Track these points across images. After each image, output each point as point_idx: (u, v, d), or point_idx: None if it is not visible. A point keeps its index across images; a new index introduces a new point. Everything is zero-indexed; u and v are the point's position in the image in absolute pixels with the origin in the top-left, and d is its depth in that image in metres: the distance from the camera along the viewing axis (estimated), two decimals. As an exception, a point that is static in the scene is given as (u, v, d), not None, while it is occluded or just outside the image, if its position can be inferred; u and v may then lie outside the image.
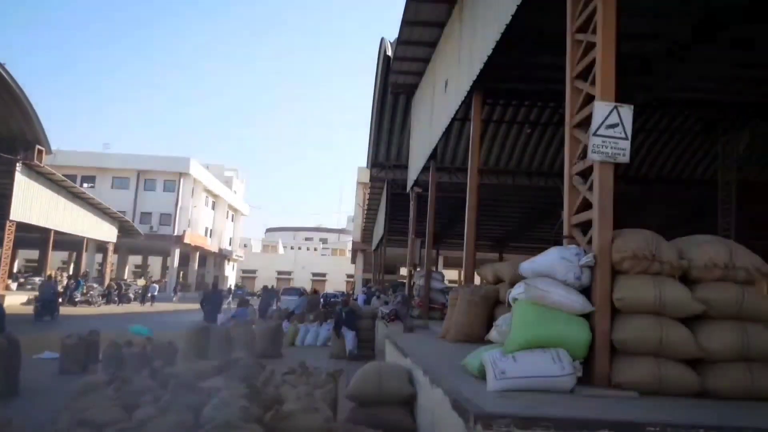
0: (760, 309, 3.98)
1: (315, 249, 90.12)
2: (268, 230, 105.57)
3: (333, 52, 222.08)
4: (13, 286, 29.24)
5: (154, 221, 48.77)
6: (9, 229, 25.20)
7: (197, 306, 17.11)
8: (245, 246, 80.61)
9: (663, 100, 14.02)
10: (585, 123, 4.58)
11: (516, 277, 5.84)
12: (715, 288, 3.98)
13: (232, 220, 66.99)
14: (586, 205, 4.45)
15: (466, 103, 10.07)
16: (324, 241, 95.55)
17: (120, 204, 43.05)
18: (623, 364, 3.84)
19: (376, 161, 20.17)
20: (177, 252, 48.43)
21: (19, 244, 31.28)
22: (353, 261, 52.31)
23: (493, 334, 4.56)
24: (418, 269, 15.58)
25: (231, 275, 67.75)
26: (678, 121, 16.18)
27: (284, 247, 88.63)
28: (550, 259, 4.30)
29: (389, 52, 14.35)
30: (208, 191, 56.27)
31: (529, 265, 4.52)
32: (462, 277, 10.70)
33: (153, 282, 38.95)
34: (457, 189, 19.80)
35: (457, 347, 6.37)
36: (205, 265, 57.90)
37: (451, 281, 31.51)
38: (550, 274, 4.23)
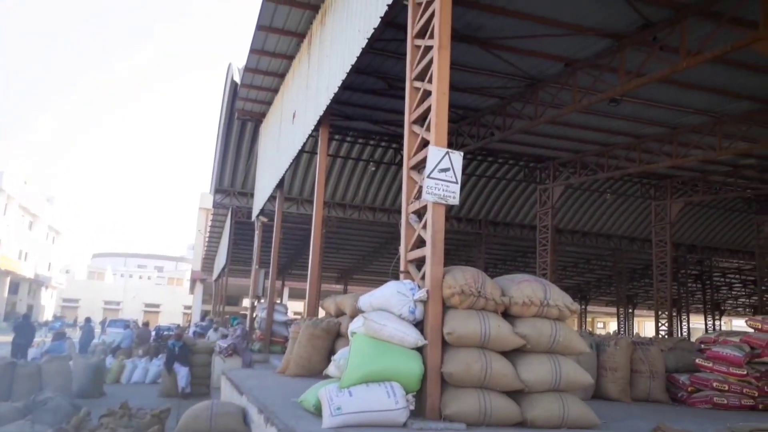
0: (569, 343, 4.42)
1: (149, 277, 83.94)
2: (96, 255, 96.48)
3: (179, 69, 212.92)
4: None
5: (-46, 241, 42.23)
6: None
7: (4, 338, 15.00)
8: (67, 272, 72.73)
9: (491, 150, 15.46)
10: (421, 165, 4.87)
11: (357, 310, 5.96)
12: (532, 323, 4.36)
13: (53, 243, 60.24)
14: (420, 242, 4.70)
15: (314, 137, 10.23)
16: (160, 269, 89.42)
17: None
18: (451, 396, 4.04)
19: (220, 187, 19.57)
20: (-20, 277, 42.29)
21: None
22: (192, 291, 49.55)
23: (331, 368, 4.58)
24: (261, 301, 15.22)
25: (49, 304, 60.44)
26: (504, 170, 17.86)
27: (114, 274, 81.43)
28: (387, 293, 4.45)
29: (237, 78, 14.14)
30: (25, 209, 50.16)
31: (368, 298, 4.64)
32: (305, 310, 10.66)
33: None
34: (305, 220, 19.85)
35: (296, 382, 6.28)
36: (17, 292, 51.07)
37: (296, 313, 31.12)
38: (386, 308, 4.37)
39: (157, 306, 69.07)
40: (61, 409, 6.03)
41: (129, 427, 4.89)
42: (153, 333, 19.61)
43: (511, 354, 4.29)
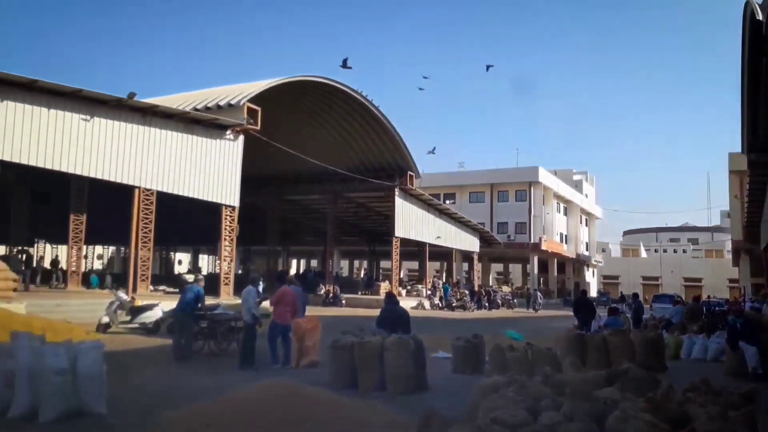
0: None
1: (684, 251, 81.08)
2: (626, 233, 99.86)
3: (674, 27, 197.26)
4: (403, 292, 34.35)
5: (510, 230, 51.22)
6: (395, 245, 29.96)
7: (558, 312, 17.06)
8: (603, 250, 77.70)
9: None
10: None
11: None
12: None
13: (586, 225, 65.49)
14: None
15: None
16: (694, 241, 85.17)
17: (478, 216, 46.59)
18: None
19: (753, 144, 17.02)
20: (535, 259, 49.79)
21: (401, 256, 36.86)
22: (735, 263, 45.10)
23: None
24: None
25: (591, 281, 66.07)
26: None
27: (646, 249, 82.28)
28: None
29: (759, 16, 12.04)
30: (559, 197, 56.37)
31: None
32: None
33: (536, 289, 41.06)
34: None
35: None
36: (563, 271, 57.95)
37: None
38: None
39: (698, 280, 65.93)
40: (641, 378, 6.40)
41: (717, 403, 4.75)
42: (703, 308, 18.75)
43: None
